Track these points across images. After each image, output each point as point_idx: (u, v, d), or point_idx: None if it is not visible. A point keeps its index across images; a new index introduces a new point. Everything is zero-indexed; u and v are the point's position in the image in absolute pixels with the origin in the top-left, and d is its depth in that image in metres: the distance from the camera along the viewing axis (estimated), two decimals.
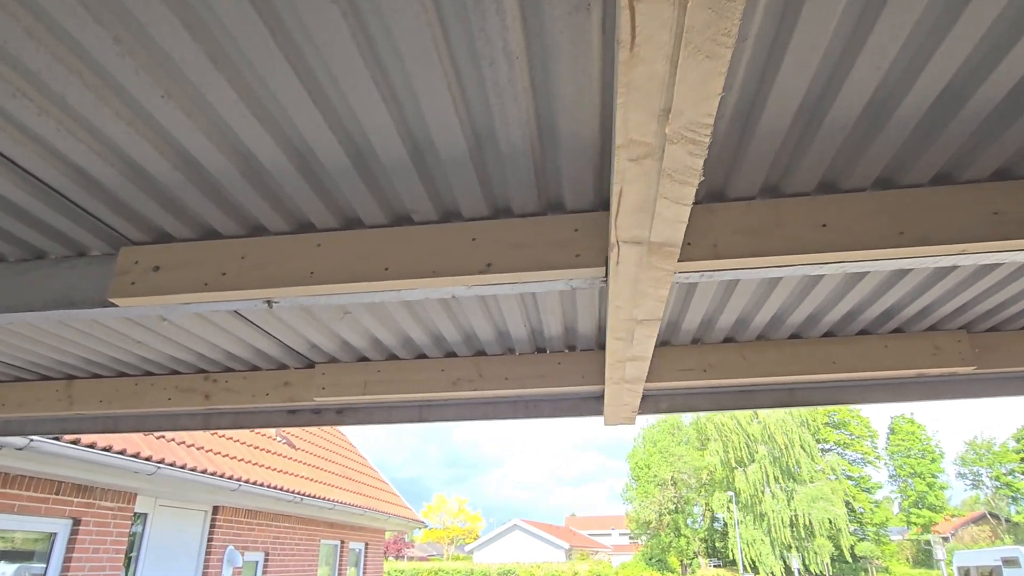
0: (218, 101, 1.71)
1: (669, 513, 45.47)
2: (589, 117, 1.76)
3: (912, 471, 49.78)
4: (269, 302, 2.29)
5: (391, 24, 1.46)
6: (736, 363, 3.51)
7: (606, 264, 2.07)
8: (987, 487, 50.83)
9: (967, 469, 51.98)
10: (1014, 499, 47.94)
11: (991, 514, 48.55)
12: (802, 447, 42.86)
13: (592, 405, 3.83)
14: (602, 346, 3.67)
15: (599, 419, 4.05)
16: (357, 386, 3.77)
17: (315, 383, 3.80)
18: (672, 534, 44.41)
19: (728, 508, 42.86)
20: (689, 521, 45.54)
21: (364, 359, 3.82)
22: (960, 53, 1.61)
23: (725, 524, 43.45)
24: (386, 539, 16.47)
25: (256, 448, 11.80)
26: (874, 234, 1.98)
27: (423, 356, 3.78)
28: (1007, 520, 47.25)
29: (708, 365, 3.53)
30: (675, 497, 45.86)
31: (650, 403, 3.73)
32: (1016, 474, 47.50)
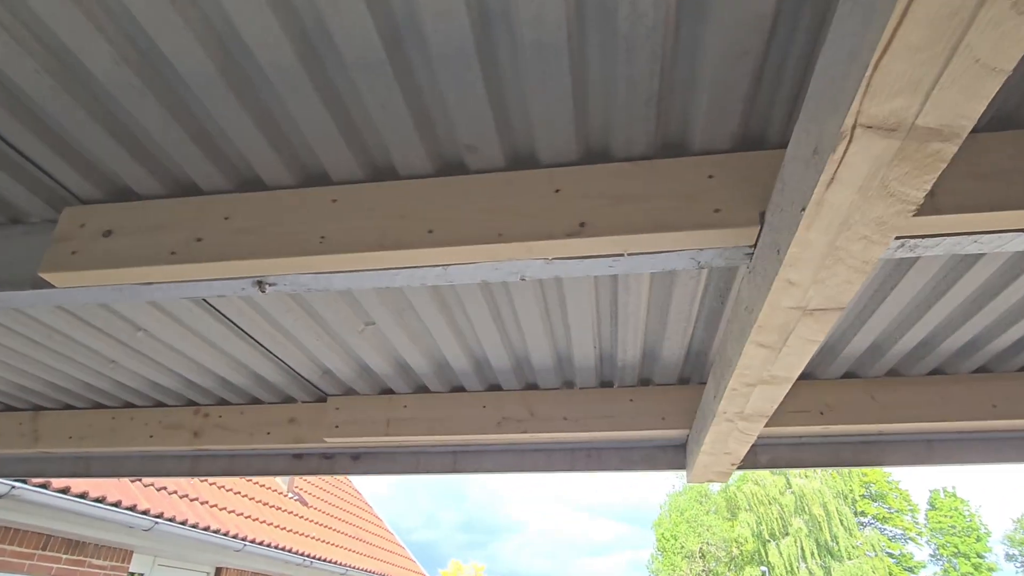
0: None
1: None
2: None
3: (956, 550, 46.29)
4: (261, 283, 1.61)
5: None
6: (862, 405, 2.72)
7: (760, 223, 1.37)
8: None
9: (1017, 549, 48.21)
10: None
11: None
12: (840, 520, 40.27)
13: (672, 456, 3.03)
14: (685, 380, 2.91)
15: (656, 476, 3.24)
16: (378, 425, 3.04)
17: (327, 420, 3.08)
18: None
19: None
20: None
21: (388, 391, 3.10)
22: None
23: None
24: None
25: (265, 504, 10.95)
26: None
27: (461, 389, 3.05)
28: None
29: (825, 406, 2.75)
30: (703, 571, 43.08)
31: (747, 456, 2.93)
32: None
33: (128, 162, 1.60)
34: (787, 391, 1.82)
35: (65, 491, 6.22)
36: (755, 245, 1.41)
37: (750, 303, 1.49)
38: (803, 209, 1.05)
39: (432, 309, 2.25)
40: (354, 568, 12.54)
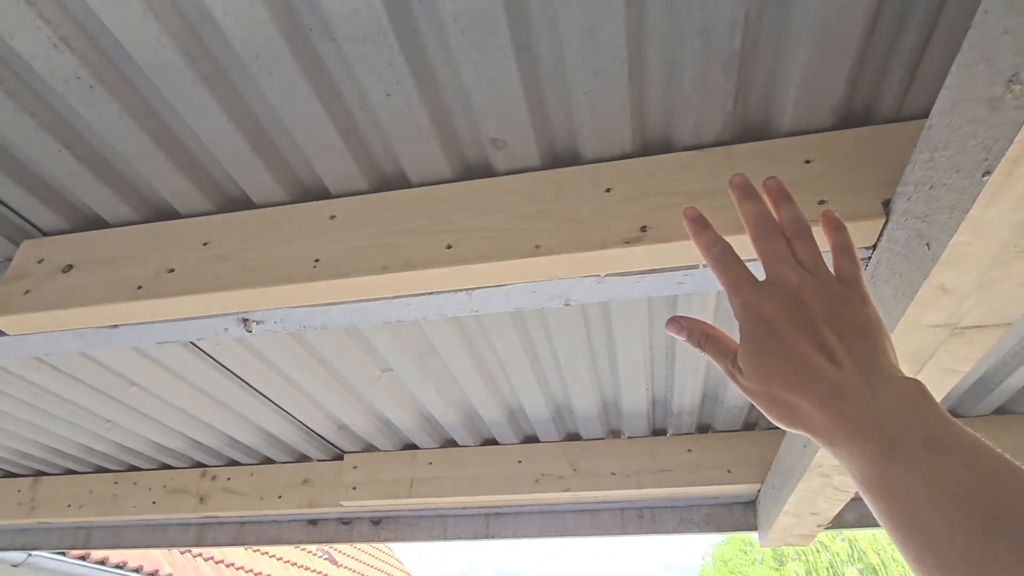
0: None
1: None
2: None
3: None
4: (247, 321, 1.32)
5: None
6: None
7: (886, 214, 1.03)
8: None
9: None
10: None
11: None
12: (901, 569, 37.83)
13: (739, 516, 2.61)
14: (751, 426, 2.52)
15: (729, 535, 2.80)
16: (400, 485, 2.69)
17: (343, 481, 2.74)
18: None
19: None
20: None
21: (411, 446, 2.76)
22: None
23: None
24: None
25: (292, 564, 10.51)
26: None
27: (492, 442, 2.70)
28: None
29: None
30: None
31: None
32: None
33: (94, 185, 1.34)
34: None
35: (84, 557, 5.93)
36: (874, 246, 1.08)
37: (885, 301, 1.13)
38: (986, 174, 0.72)
39: (457, 350, 1.93)
40: None
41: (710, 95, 1.10)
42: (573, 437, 2.64)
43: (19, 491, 3.17)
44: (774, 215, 0.69)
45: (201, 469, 3.02)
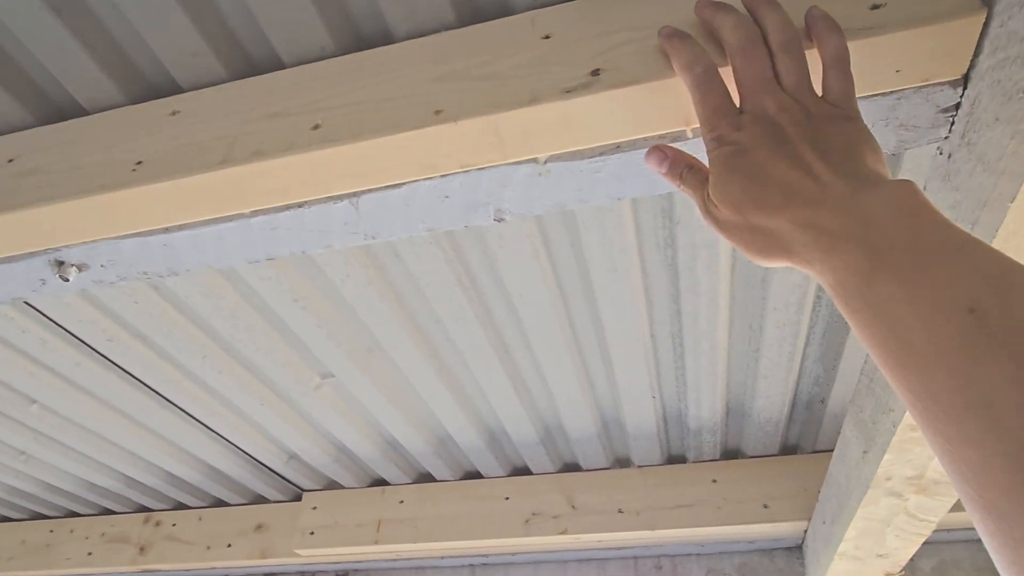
0: None
1: None
2: None
3: None
4: (62, 265, 0.95)
5: None
6: None
7: (988, 6, 0.63)
8: None
9: None
10: None
11: None
12: None
13: (783, 564, 2.08)
14: (792, 449, 2.03)
15: None
16: (367, 529, 2.24)
17: (300, 526, 2.30)
18: None
19: None
20: None
21: (380, 481, 2.33)
22: None
23: None
24: None
25: None
26: None
27: (476, 475, 2.25)
28: None
29: None
30: None
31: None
32: None
33: None
34: None
35: None
36: (966, 77, 0.67)
37: (960, 218, 0.71)
38: None
39: (406, 343, 1.53)
40: None
41: None
42: (571, 467, 2.18)
43: None
44: (754, 25, 0.61)
45: (144, 514, 2.60)
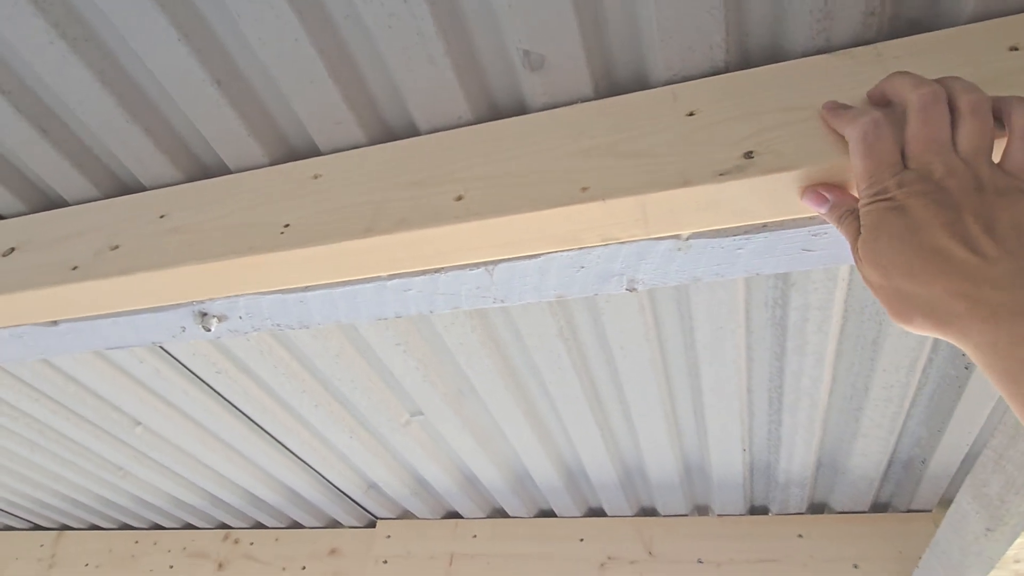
0: None
1: None
2: None
3: None
4: (205, 316, 1.00)
5: None
6: None
7: None
8: None
9: None
10: None
11: None
12: None
13: None
14: (882, 507, 1.95)
15: None
16: (439, 561, 2.25)
17: (373, 554, 2.34)
18: None
19: None
20: None
21: (453, 514, 2.34)
22: None
23: None
24: None
25: None
26: None
27: (550, 513, 2.24)
28: None
29: None
30: None
31: None
32: None
33: (49, 155, 1.10)
34: None
35: None
36: None
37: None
38: None
39: (499, 389, 1.54)
40: None
41: None
42: (648, 512, 2.15)
43: (41, 546, 2.95)
44: (939, 84, 0.58)
45: (224, 531, 2.69)
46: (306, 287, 0.94)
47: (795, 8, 0.78)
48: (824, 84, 0.76)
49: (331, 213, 0.90)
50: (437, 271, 0.88)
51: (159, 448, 2.10)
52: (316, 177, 0.97)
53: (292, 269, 0.90)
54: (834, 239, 0.76)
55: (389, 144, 0.97)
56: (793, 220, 0.75)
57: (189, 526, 2.78)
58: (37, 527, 3.04)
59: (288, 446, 1.97)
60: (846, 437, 1.62)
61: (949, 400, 1.43)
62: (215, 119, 0.99)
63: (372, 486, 2.22)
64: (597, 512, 2.19)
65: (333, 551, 2.48)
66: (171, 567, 2.67)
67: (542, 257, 0.83)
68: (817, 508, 2.01)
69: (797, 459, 1.72)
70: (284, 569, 2.51)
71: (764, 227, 0.76)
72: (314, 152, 1.03)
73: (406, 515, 2.40)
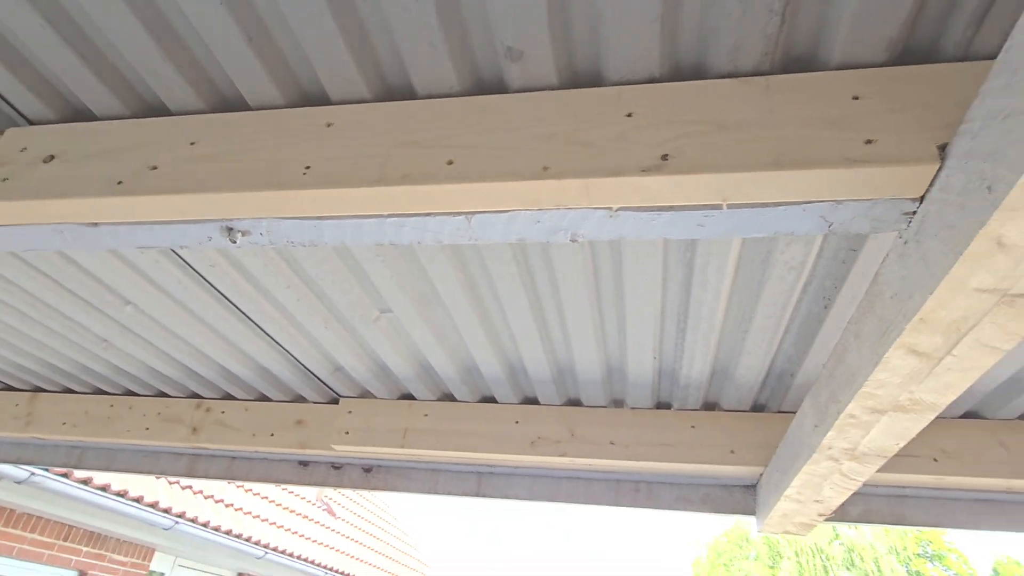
0: None
1: None
2: None
3: None
4: (231, 230, 1.24)
5: None
6: (990, 453, 2.17)
7: (941, 160, 0.91)
8: None
9: None
10: None
11: None
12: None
13: (739, 499, 2.52)
14: (760, 407, 2.41)
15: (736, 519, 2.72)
16: (393, 435, 2.63)
17: (337, 425, 2.69)
18: None
19: None
20: None
21: (407, 396, 2.70)
22: None
23: None
24: None
25: (291, 511, 10.68)
26: None
27: (491, 399, 2.62)
28: None
29: (940, 451, 2.20)
30: None
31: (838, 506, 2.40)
32: None
33: (85, 75, 1.26)
34: (929, 422, 1.32)
35: (87, 481, 6.04)
36: (923, 197, 0.95)
37: (904, 287, 1.02)
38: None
39: (460, 296, 1.84)
40: None
41: (751, 12, 0.98)
42: (574, 402, 2.56)
43: (16, 405, 3.17)
44: None
45: (196, 400, 2.99)
46: (320, 216, 1.18)
47: (716, 40, 1.04)
48: (727, 103, 1.03)
49: (345, 160, 1.13)
50: (427, 215, 1.14)
51: (146, 326, 2.33)
52: (329, 125, 1.19)
53: (311, 203, 1.14)
54: (721, 220, 1.06)
55: (391, 103, 1.19)
56: (692, 205, 1.04)
57: (162, 394, 3.06)
58: (8, 387, 3.25)
59: (267, 331, 2.24)
60: (734, 353, 2.02)
61: (812, 330, 1.82)
62: (240, 62, 1.18)
63: (338, 369, 2.53)
64: (532, 401, 2.59)
65: (299, 422, 2.83)
66: (147, 429, 2.97)
67: (509, 213, 1.10)
68: (709, 407, 2.47)
69: (696, 368, 2.13)
70: (254, 435, 2.85)
71: (671, 207, 1.05)
72: (325, 101, 1.24)
73: (366, 394, 2.75)
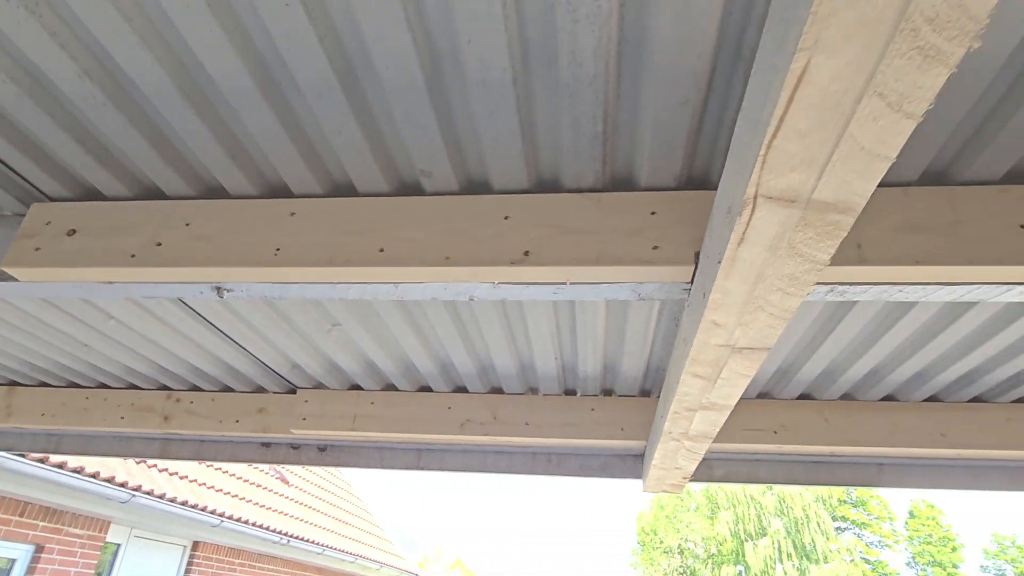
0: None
1: None
2: (700, 26, 1.15)
3: (932, 559, 46.99)
4: (220, 289, 1.66)
5: None
6: (816, 426, 2.80)
7: (695, 262, 1.42)
8: None
9: (990, 562, 49.09)
10: None
11: None
12: (818, 524, 40.69)
13: (630, 466, 3.11)
14: (647, 392, 2.98)
15: (633, 483, 3.32)
16: (345, 420, 3.10)
17: (295, 412, 3.14)
18: None
19: None
20: None
21: (356, 387, 3.16)
22: None
23: None
24: None
25: (245, 481, 11.03)
26: None
27: (427, 389, 3.11)
28: None
29: (779, 426, 2.82)
30: (681, 567, 43.70)
31: (703, 469, 3.01)
32: None
33: (93, 166, 1.64)
34: (727, 416, 1.88)
35: (43, 460, 6.28)
36: (691, 283, 1.47)
37: (687, 335, 1.55)
38: (719, 262, 1.11)
39: (397, 318, 2.30)
40: (331, 548, 12.65)
41: (584, 158, 1.46)
42: (496, 391, 3.07)
43: None
44: None
45: (167, 392, 3.37)
46: (287, 283, 1.63)
47: (564, 166, 1.52)
48: (571, 212, 1.52)
49: (305, 245, 1.57)
50: (365, 283, 1.59)
51: (125, 334, 2.70)
52: (292, 214, 1.62)
53: (281, 275, 1.58)
54: (569, 290, 1.55)
55: (337, 200, 1.63)
56: (547, 282, 1.53)
57: (134, 387, 3.42)
58: None
59: (238, 341, 2.65)
60: (618, 356, 2.56)
61: (672, 340, 2.37)
62: (222, 165, 1.59)
63: (296, 366, 2.97)
64: (461, 389, 3.09)
65: (261, 409, 3.25)
66: (122, 418, 3.35)
67: (423, 284, 1.57)
68: (607, 392, 3.02)
69: (590, 365, 2.66)
70: (221, 421, 3.26)
71: (534, 283, 1.54)
72: (288, 194, 1.66)
73: (320, 386, 3.19)
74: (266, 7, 1.18)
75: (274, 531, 10.54)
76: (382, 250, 1.53)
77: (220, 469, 10.39)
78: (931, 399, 2.77)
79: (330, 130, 1.44)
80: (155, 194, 1.73)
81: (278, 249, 1.57)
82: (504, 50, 1.21)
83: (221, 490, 9.86)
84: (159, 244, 1.62)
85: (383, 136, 1.48)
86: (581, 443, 3.00)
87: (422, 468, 3.25)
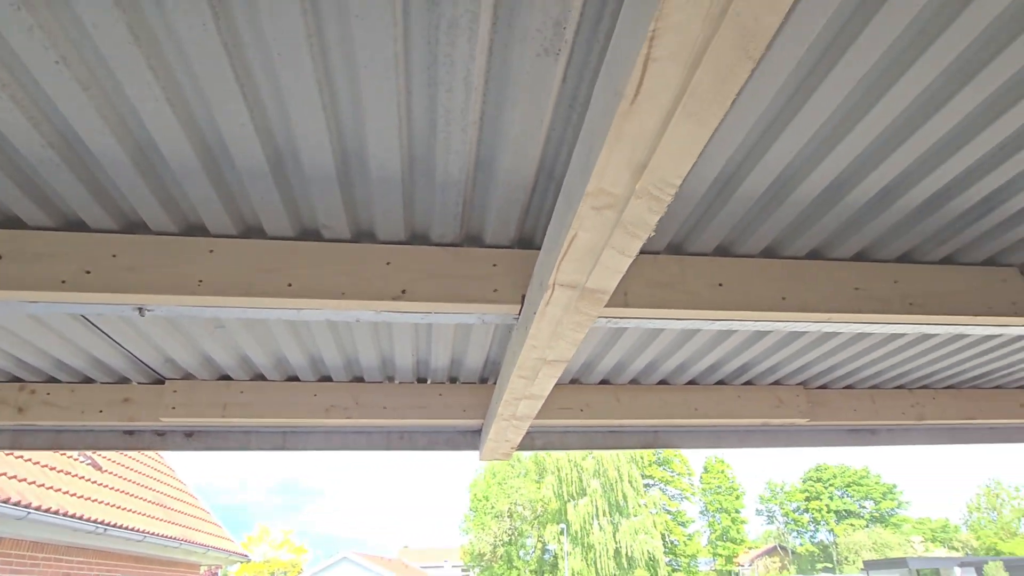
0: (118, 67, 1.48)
1: (503, 545, 46.03)
2: (529, 157, 1.77)
3: (720, 507, 55.02)
4: (141, 309, 2.00)
5: (354, 32, 1.37)
6: (610, 404, 3.66)
7: (522, 303, 2.07)
8: (779, 522, 57.49)
9: (764, 506, 58.73)
10: (799, 533, 54.75)
11: (781, 546, 54.80)
12: (630, 482, 45.62)
13: (470, 439, 3.78)
14: (485, 380, 3.65)
15: (469, 453, 4.01)
16: (215, 407, 3.40)
17: (164, 402, 3.37)
18: (505, 565, 44.93)
19: (559, 540, 44.29)
20: (522, 553, 46.38)
21: (226, 377, 3.47)
22: (845, 159, 1.84)
23: (555, 556, 44.81)
24: (200, 573, 14.88)
25: (52, 469, 10.20)
26: (762, 297, 2.19)
27: (295, 379, 3.51)
28: (793, 552, 53.66)
29: (585, 405, 3.65)
30: (510, 529, 46.60)
31: (526, 440, 3.77)
32: (801, 511, 54.45)
33: (21, 198, 1.89)
34: (543, 402, 2.59)
35: None
36: (519, 315, 2.12)
37: (514, 350, 2.20)
38: (535, 312, 1.76)
39: (281, 325, 2.71)
40: (153, 534, 12.11)
41: (448, 222, 2.04)
42: (358, 379, 3.56)
43: None
44: None
45: (20, 383, 3.39)
46: (205, 307, 2.01)
47: (433, 224, 2.08)
48: (437, 261, 2.09)
49: (224, 278, 1.97)
50: (272, 309, 2.04)
51: None
52: (211, 251, 2.01)
53: (204, 302, 1.97)
54: (430, 317, 2.12)
55: (251, 241, 2.04)
56: (413, 312, 2.09)
57: None
58: None
59: (115, 339, 2.87)
60: (462, 356, 3.18)
61: (505, 342, 3.04)
62: (146, 203, 1.93)
63: (169, 360, 3.21)
64: (327, 379, 3.53)
65: (126, 400, 3.43)
66: None
67: (322, 311, 2.05)
68: (453, 380, 3.64)
69: (441, 359, 3.26)
70: (83, 412, 3.38)
71: (403, 313, 2.09)
72: (206, 233, 2.04)
73: (189, 377, 3.44)
74: (293, 98, 1.60)
75: (89, 520, 9.94)
76: (290, 285, 1.99)
77: (22, 457, 9.54)
78: (690, 383, 3.76)
79: (254, 195, 1.87)
80: (77, 226, 2.00)
81: (200, 281, 1.96)
82: (398, 160, 1.74)
83: (25, 479, 9.10)
84: (88, 272, 1.92)
85: (296, 200, 1.93)
86: (431, 423, 3.60)
87: (287, 448, 3.65)
